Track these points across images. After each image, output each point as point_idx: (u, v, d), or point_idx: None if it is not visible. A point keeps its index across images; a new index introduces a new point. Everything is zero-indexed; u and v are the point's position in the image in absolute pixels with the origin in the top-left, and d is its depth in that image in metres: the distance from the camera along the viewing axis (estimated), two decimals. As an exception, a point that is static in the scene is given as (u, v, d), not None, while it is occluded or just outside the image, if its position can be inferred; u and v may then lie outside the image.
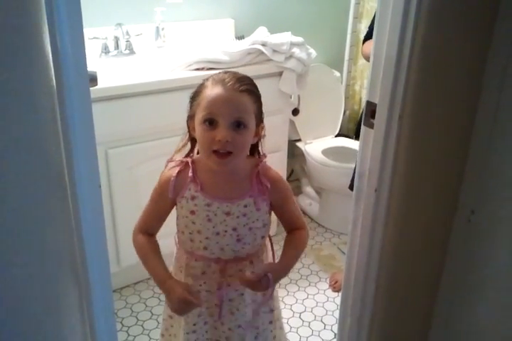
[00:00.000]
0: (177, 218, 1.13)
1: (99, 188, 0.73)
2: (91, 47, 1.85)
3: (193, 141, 1.10)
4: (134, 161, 1.74)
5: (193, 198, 1.07)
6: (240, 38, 2.16)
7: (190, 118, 1.05)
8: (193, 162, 1.09)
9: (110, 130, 1.61)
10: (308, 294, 1.98)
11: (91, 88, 0.69)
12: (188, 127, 1.08)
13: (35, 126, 0.54)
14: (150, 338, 1.74)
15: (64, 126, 0.63)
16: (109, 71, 1.75)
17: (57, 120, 0.60)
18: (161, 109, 1.72)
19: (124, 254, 1.80)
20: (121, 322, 1.79)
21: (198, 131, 1.01)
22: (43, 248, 0.58)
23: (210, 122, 0.99)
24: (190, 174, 1.07)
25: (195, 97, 1.04)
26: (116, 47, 1.94)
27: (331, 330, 1.79)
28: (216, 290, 1.12)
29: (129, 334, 1.75)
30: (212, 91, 0.99)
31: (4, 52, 0.48)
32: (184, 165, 1.09)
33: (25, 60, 0.51)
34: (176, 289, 1.02)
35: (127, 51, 1.96)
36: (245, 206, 1.07)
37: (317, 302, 1.94)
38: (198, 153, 1.12)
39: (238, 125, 0.99)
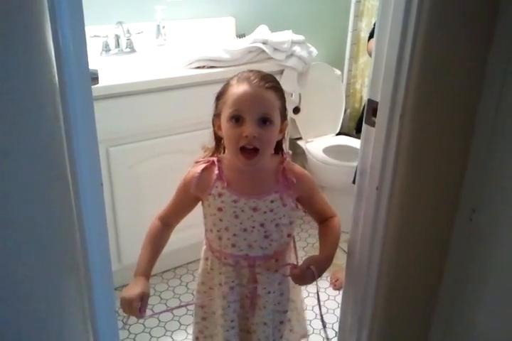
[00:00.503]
0: (204, 217, 1.15)
1: (100, 186, 0.73)
2: (92, 46, 1.85)
3: (217, 140, 1.12)
4: (136, 159, 1.74)
5: (220, 195, 1.08)
6: (240, 36, 2.16)
7: (217, 116, 1.07)
8: (218, 160, 1.11)
9: (111, 128, 1.61)
10: (309, 292, 1.98)
11: (92, 86, 0.69)
12: (214, 126, 1.09)
13: (38, 124, 0.54)
14: (151, 336, 1.74)
15: (66, 124, 0.63)
16: (110, 69, 1.75)
17: (59, 118, 0.60)
18: (162, 107, 1.72)
19: (125, 252, 1.80)
20: (122, 321, 1.78)
21: (225, 128, 1.03)
22: (45, 246, 0.58)
23: (237, 119, 1.00)
24: (216, 172, 1.09)
25: (220, 96, 1.05)
26: (117, 45, 1.94)
27: (332, 329, 1.79)
28: (246, 284, 1.14)
29: (130, 332, 1.75)
30: (239, 89, 1.01)
31: (7, 51, 0.48)
32: (210, 164, 1.10)
33: (27, 57, 0.51)
34: (136, 288, 1.06)
35: (128, 49, 1.96)
36: (272, 201, 1.08)
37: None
38: (223, 151, 1.13)
39: (264, 121, 1.01)
